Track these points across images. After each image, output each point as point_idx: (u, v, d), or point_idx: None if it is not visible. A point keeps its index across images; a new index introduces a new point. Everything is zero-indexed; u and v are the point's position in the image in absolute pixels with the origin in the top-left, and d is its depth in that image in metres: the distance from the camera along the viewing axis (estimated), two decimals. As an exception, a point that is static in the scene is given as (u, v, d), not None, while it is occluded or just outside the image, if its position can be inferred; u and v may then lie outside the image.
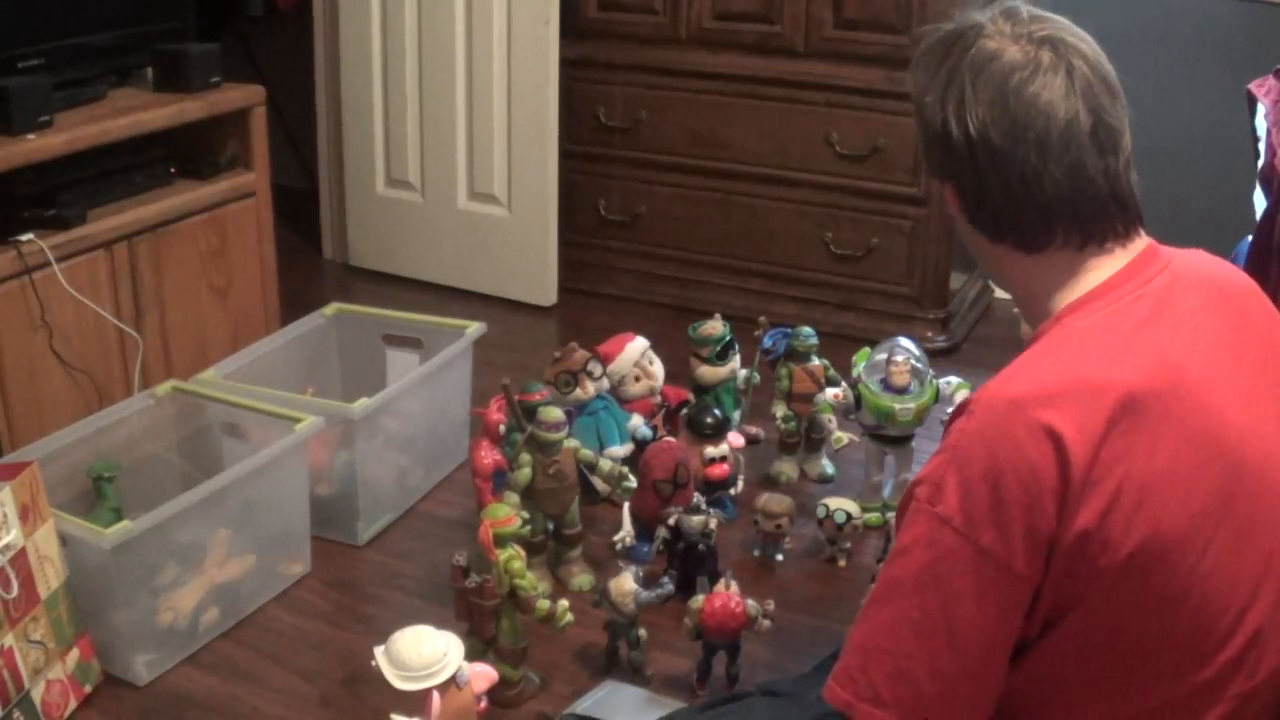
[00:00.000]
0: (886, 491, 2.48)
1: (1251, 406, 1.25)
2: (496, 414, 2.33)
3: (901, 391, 2.36)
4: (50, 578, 1.90)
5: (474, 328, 2.67)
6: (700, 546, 2.17)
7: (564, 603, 1.96)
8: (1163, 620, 1.19)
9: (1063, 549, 1.16)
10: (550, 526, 2.26)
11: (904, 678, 1.21)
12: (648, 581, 2.02)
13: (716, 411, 2.46)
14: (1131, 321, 1.24)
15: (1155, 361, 1.21)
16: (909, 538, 1.23)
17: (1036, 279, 1.32)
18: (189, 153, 2.84)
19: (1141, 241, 1.31)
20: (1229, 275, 1.37)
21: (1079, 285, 1.29)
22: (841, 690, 1.25)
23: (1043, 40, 1.26)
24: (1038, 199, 1.26)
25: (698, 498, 2.21)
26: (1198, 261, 1.35)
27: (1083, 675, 1.22)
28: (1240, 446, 1.22)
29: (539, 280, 3.56)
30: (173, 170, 2.81)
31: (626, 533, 2.27)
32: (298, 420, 2.24)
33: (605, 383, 2.57)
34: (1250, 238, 2.14)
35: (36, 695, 1.86)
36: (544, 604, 1.93)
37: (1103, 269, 1.28)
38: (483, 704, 1.80)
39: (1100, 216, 1.27)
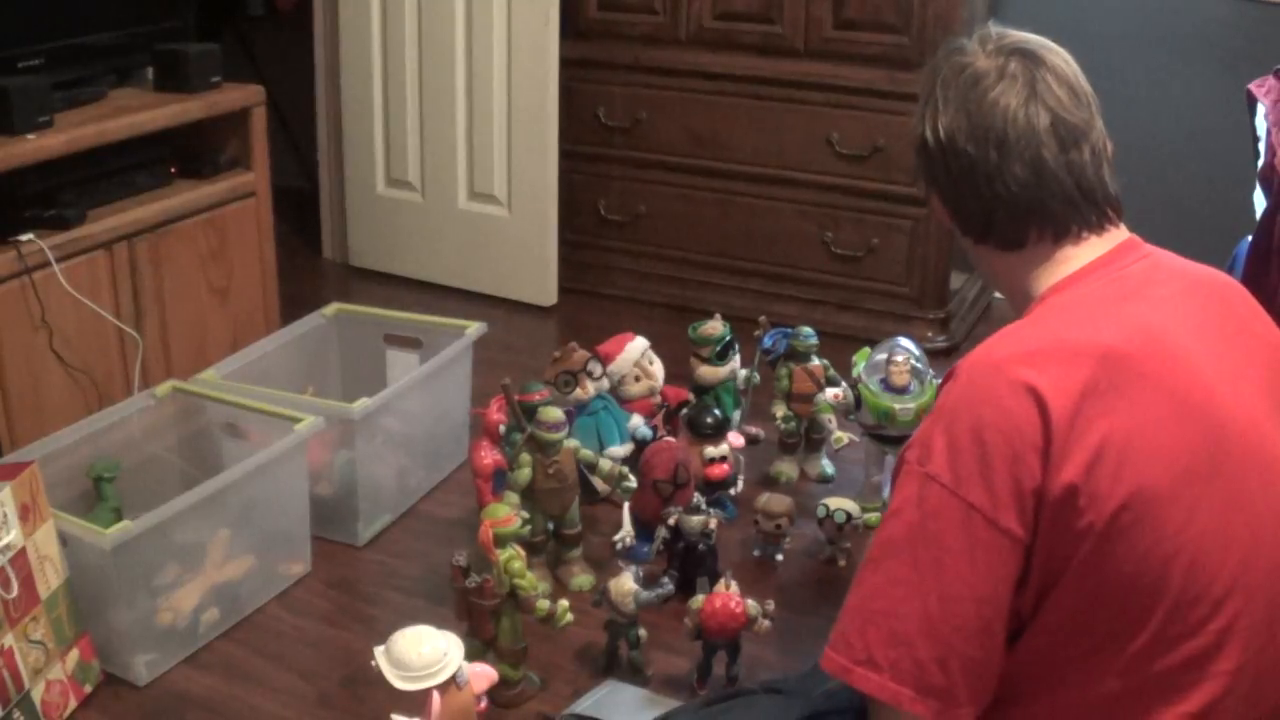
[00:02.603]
0: (886, 491, 2.48)
1: (1234, 381, 1.28)
2: (496, 414, 2.33)
3: (901, 391, 2.36)
4: (50, 578, 1.90)
5: (474, 328, 2.67)
6: (700, 546, 2.17)
7: (564, 603, 1.96)
8: (1153, 585, 1.19)
9: (1050, 505, 1.19)
10: (550, 526, 2.26)
11: (899, 639, 1.23)
12: (648, 581, 2.02)
13: (716, 411, 2.46)
14: (1111, 296, 1.31)
15: (1135, 328, 1.27)
16: (900, 499, 1.27)
17: (1020, 273, 1.39)
18: (189, 153, 2.84)
19: (1122, 234, 1.38)
20: (1209, 271, 1.42)
21: (1060, 271, 1.36)
22: (837, 656, 1.28)
23: (1011, 51, 1.36)
24: (1004, 197, 1.34)
25: (698, 498, 2.21)
26: (1178, 258, 1.41)
27: (1077, 649, 1.23)
28: (1224, 412, 1.24)
29: (539, 280, 3.57)
30: (173, 170, 2.81)
31: (626, 533, 2.27)
32: (298, 420, 2.24)
33: (605, 383, 2.57)
34: (1250, 238, 2.14)
35: (36, 695, 1.86)
36: (544, 604, 1.93)
37: (1082, 256, 1.36)
38: (483, 704, 1.80)
39: (1067, 209, 1.34)
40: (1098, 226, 1.36)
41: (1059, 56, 1.37)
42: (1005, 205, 1.35)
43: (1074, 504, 1.18)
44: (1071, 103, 1.34)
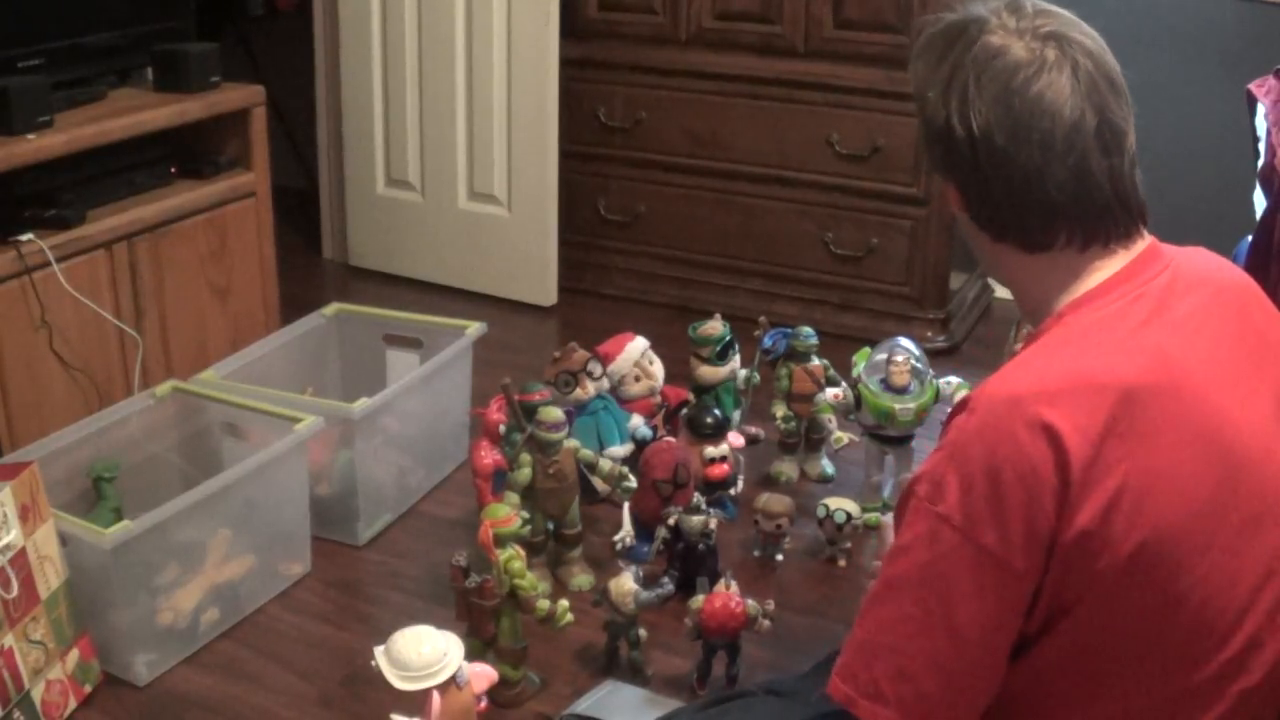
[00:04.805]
0: (886, 491, 2.48)
1: (1251, 405, 1.25)
2: (496, 414, 2.33)
3: (901, 391, 2.35)
4: (50, 578, 1.90)
5: (474, 328, 2.67)
6: (700, 546, 2.17)
7: (564, 603, 1.96)
8: (1164, 619, 1.19)
9: (1064, 548, 1.17)
10: (550, 526, 2.26)
11: (905, 675, 1.22)
12: (648, 581, 2.02)
13: (716, 411, 2.46)
14: (1132, 321, 1.24)
15: (1155, 360, 1.21)
16: (909, 536, 1.23)
17: (1038, 279, 1.31)
18: (189, 153, 2.84)
19: (1144, 241, 1.31)
20: (1229, 274, 1.37)
21: (1081, 284, 1.28)
22: (844, 686, 1.26)
23: (1047, 36, 1.24)
24: (1041, 200, 1.25)
25: (698, 498, 2.21)
26: (1198, 261, 1.35)
27: (1082, 673, 1.23)
28: (1240, 444, 1.22)
29: (539, 280, 3.56)
30: (173, 170, 2.81)
31: (626, 533, 2.27)
32: (298, 420, 2.24)
33: (605, 383, 2.57)
34: (1250, 238, 2.14)
35: (36, 695, 1.86)
36: (544, 604, 1.93)
37: (1105, 269, 1.28)
38: (483, 704, 1.80)
39: (1104, 217, 1.26)
40: (1126, 237, 1.28)
41: (1094, 41, 1.26)
42: (1040, 207, 1.25)
43: (1088, 548, 1.16)
44: (1115, 102, 1.24)
